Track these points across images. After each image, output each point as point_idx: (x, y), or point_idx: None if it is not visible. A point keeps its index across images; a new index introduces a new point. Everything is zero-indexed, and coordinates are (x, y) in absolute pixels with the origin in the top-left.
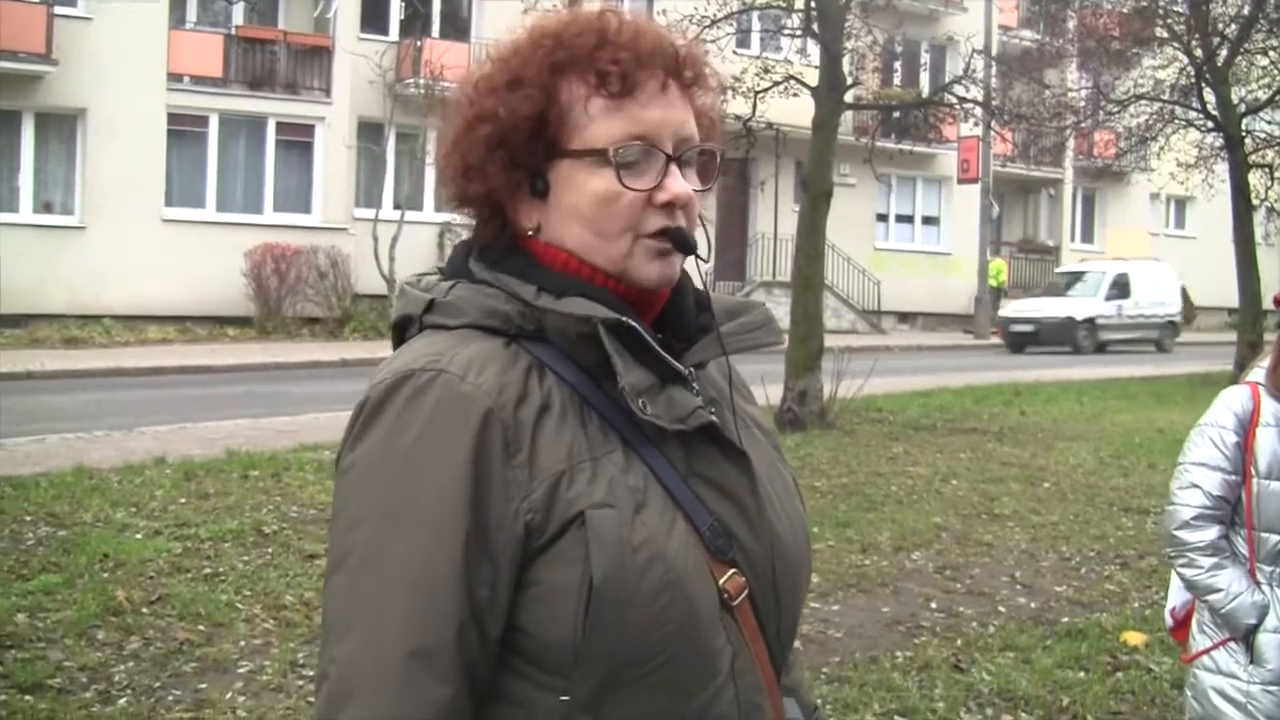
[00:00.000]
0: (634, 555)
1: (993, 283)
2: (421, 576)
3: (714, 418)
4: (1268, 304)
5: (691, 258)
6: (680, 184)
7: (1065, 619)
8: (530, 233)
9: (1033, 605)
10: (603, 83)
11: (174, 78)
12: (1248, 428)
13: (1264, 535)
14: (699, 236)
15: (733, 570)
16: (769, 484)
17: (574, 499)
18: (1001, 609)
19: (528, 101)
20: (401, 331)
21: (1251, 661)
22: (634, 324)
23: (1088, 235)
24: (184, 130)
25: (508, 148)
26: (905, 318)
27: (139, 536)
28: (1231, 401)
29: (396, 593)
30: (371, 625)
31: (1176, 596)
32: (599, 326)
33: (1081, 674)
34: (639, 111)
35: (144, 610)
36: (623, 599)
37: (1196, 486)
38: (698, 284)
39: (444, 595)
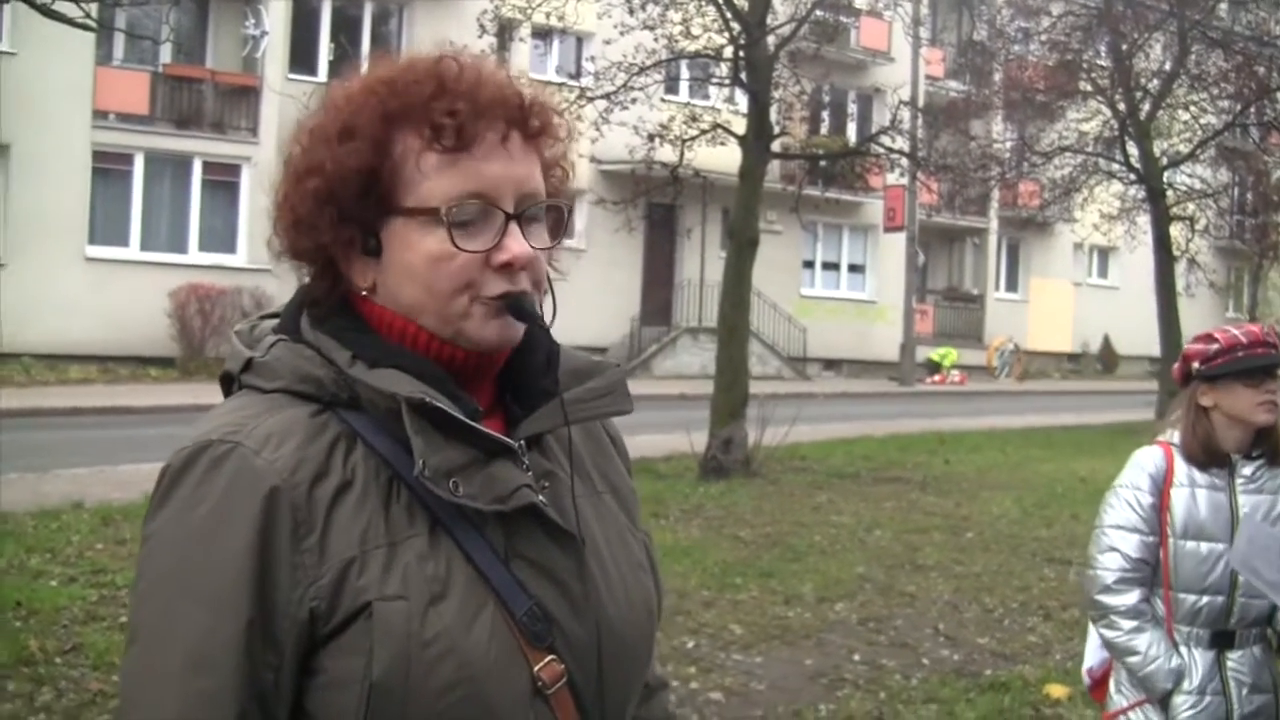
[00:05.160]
0: (423, 651)
1: (938, 360)
2: (202, 657)
3: (538, 497)
4: None
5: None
6: (520, 245)
7: (988, 671)
8: (365, 292)
9: (956, 657)
10: (437, 136)
11: (99, 115)
12: (1162, 488)
13: (1181, 596)
14: (547, 297)
15: (550, 657)
16: (609, 561)
17: (363, 588)
18: (925, 661)
19: (356, 155)
20: (228, 387)
21: None
22: (439, 404)
23: (1012, 284)
24: (109, 168)
25: (336, 203)
26: (831, 365)
27: (53, 584)
28: (1145, 463)
29: (177, 672)
30: (151, 704)
31: (1093, 656)
32: (402, 404)
33: None
34: (476, 167)
35: (57, 660)
36: (406, 696)
37: (1115, 550)
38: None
39: (223, 678)
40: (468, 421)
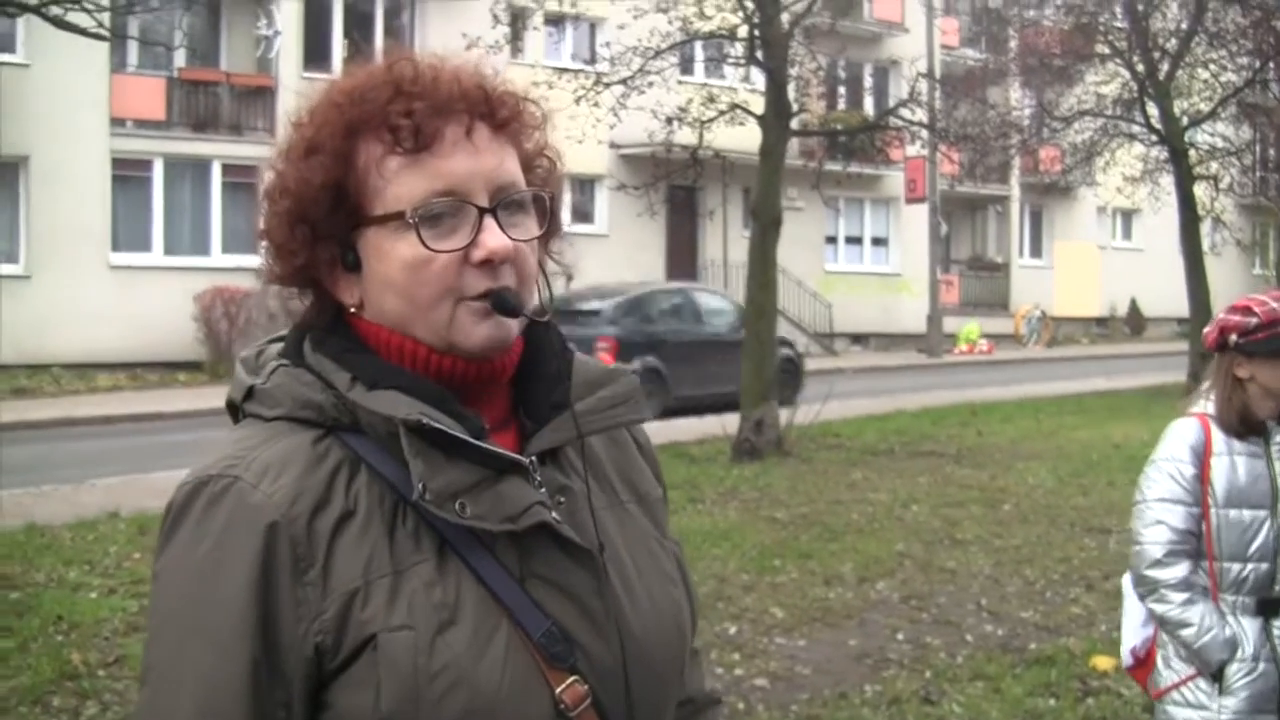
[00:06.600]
0: (431, 683)
1: (963, 343)
2: (210, 699)
3: (551, 515)
4: (1218, 312)
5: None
6: (496, 238)
7: (1033, 645)
8: (353, 309)
9: (1000, 633)
10: (396, 139)
11: (117, 122)
12: (1203, 459)
13: (1226, 565)
14: (540, 288)
15: (573, 678)
16: (634, 575)
17: (368, 620)
18: (969, 638)
19: (321, 170)
20: (235, 415)
21: (1220, 693)
22: (438, 424)
23: (1036, 250)
24: (128, 175)
25: (308, 222)
26: (858, 339)
27: (93, 595)
28: (1185, 434)
29: (186, 715)
30: None
31: (1135, 635)
32: (399, 427)
33: (1052, 701)
34: (438, 165)
35: (100, 673)
36: None
37: (1162, 523)
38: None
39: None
40: (471, 440)
